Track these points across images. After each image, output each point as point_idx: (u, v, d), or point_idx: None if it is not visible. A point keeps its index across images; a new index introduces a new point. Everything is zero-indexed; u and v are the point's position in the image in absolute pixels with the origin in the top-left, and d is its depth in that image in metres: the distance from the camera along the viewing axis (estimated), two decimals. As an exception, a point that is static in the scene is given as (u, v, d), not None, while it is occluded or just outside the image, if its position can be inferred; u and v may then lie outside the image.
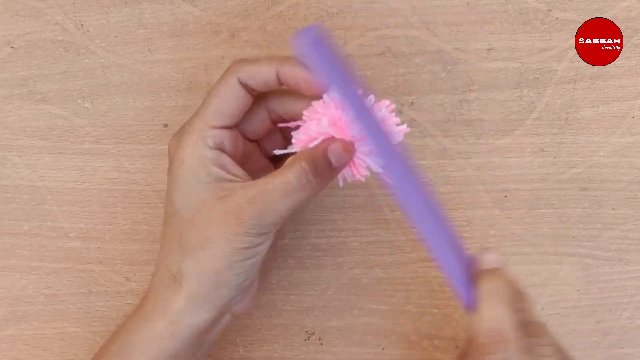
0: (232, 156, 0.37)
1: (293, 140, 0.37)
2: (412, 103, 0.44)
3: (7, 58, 0.44)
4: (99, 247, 0.46)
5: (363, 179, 0.37)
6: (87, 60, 0.44)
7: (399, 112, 0.44)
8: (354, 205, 0.45)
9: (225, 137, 0.37)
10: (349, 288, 0.46)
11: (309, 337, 0.46)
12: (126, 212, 0.45)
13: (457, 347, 0.46)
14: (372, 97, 0.36)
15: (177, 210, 0.37)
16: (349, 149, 0.35)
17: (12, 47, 0.44)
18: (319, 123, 0.35)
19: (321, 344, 0.46)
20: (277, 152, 0.38)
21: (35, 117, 0.45)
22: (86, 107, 0.45)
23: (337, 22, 0.43)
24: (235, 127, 0.38)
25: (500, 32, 0.43)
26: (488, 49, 0.43)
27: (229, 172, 0.36)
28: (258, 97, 0.38)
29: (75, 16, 0.44)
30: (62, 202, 0.45)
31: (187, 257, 0.36)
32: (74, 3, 0.44)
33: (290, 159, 0.36)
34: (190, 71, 0.44)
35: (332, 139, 0.35)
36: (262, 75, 0.36)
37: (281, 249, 0.46)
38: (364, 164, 0.37)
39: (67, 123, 0.45)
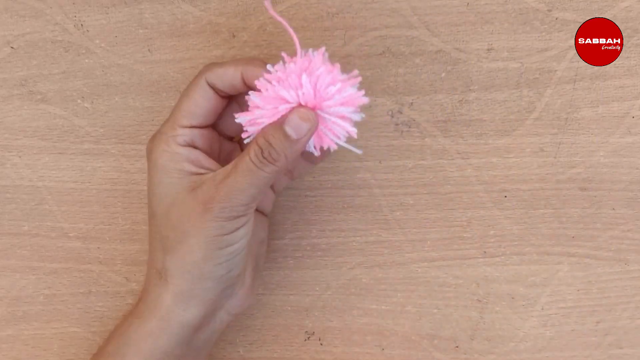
0: (206, 152, 0.38)
1: (246, 126, 0.36)
2: (412, 103, 0.44)
3: (7, 58, 0.44)
4: (99, 247, 0.46)
5: (333, 146, 0.36)
6: (87, 60, 0.44)
7: (398, 112, 0.44)
8: (354, 205, 0.45)
9: (197, 135, 0.38)
10: (349, 288, 0.46)
11: (308, 337, 0.46)
12: (126, 212, 0.45)
13: (457, 347, 0.46)
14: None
15: (154, 210, 0.38)
16: (307, 117, 0.35)
17: (12, 47, 0.44)
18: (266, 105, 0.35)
19: (321, 344, 0.46)
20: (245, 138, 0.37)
21: (35, 117, 0.45)
22: (86, 107, 0.45)
23: (337, 22, 0.43)
24: (212, 127, 0.39)
25: (500, 32, 0.43)
26: (488, 49, 0.43)
27: (201, 166, 0.37)
28: (234, 97, 0.39)
29: (75, 16, 0.44)
30: (62, 202, 0.45)
31: (168, 254, 0.37)
32: (74, 3, 0.44)
33: (253, 137, 0.36)
34: (190, 71, 0.44)
35: (291, 110, 0.35)
36: (228, 77, 0.36)
37: (281, 249, 0.46)
38: (333, 131, 0.36)
39: (67, 123, 0.45)
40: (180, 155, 0.37)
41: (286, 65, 0.35)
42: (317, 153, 0.37)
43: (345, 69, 0.44)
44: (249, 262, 0.40)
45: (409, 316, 0.46)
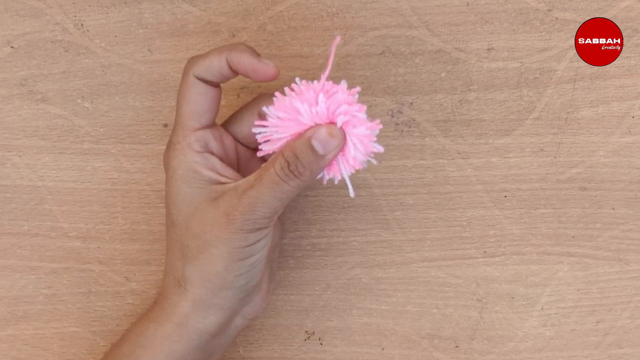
0: (222, 158, 0.38)
1: (263, 146, 0.37)
2: (412, 103, 0.44)
3: (7, 58, 0.44)
4: (99, 247, 0.46)
5: (338, 177, 0.36)
6: (87, 60, 0.44)
7: (398, 112, 0.44)
8: (354, 205, 0.45)
9: (209, 137, 0.37)
10: (349, 288, 0.46)
11: (309, 337, 0.46)
12: (126, 212, 0.45)
13: (457, 347, 0.46)
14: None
15: (174, 220, 0.37)
16: (335, 134, 0.35)
17: (12, 47, 0.44)
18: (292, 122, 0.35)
19: (321, 344, 0.46)
20: (261, 151, 0.37)
21: (35, 117, 0.45)
22: (86, 107, 0.45)
23: (337, 22, 0.43)
24: (225, 130, 0.39)
25: (500, 32, 0.43)
26: (488, 49, 0.43)
27: (219, 174, 0.37)
28: (249, 103, 0.39)
29: (75, 16, 0.44)
30: (62, 202, 0.45)
31: (188, 263, 0.37)
32: (74, 3, 0.44)
33: (279, 150, 0.36)
34: (190, 71, 0.44)
35: (317, 126, 0.35)
36: (214, 67, 0.36)
37: (281, 249, 0.46)
38: (358, 153, 0.36)
39: (67, 123, 0.45)
40: (197, 164, 0.37)
41: (307, 82, 0.35)
42: (325, 179, 0.37)
43: (345, 69, 0.44)
44: (265, 269, 0.40)
45: (409, 316, 0.46)
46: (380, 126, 0.35)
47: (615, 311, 0.45)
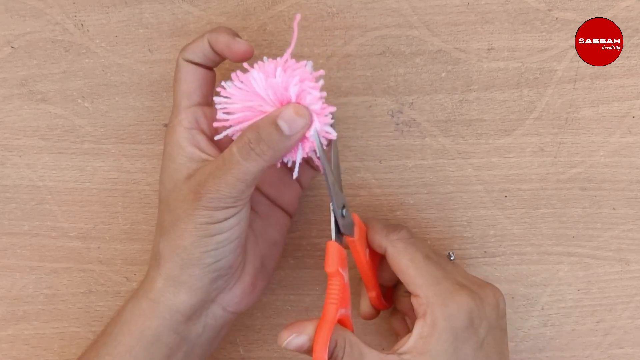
0: (210, 136, 0.38)
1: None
2: (412, 103, 0.44)
3: (7, 58, 0.44)
4: (99, 247, 0.46)
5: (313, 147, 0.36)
6: (87, 60, 0.44)
7: (399, 112, 0.44)
8: (354, 205, 0.45)
9: (199, 114, 0.38)
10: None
11: (309, 337, 0.46)
12: (126, 212, 0.45)
13: (457, 347, 0.46)
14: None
15: (160, 197, 0.39)
16: (302, 113, 0.34)
17: (12, 47, 0.44)
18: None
19: (321, 344, 0.46)
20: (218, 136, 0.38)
21: (35, 117, 0.45)
22: (86, 107, 0.45)
23: (337, 22, 0.43)
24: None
25: (500, 32, 0.43)
26: (488, 49, 0.43)
27: (203, 151, 0.38)
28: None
29: (76, 16, 0.44)
30: (62, 202, 0.45)
31: (162, 237, 0.37)
32: (74, 3, 0.44)
33: (243, 129, 0.36)
34: (190, 71, 0.44)
35: (287, 104, 0.35)
36: (198, 48, 0.38)
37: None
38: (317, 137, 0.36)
39: (67, 123, 0.45)
40: (184, 139, 0.38)
41: (272, 59, 0.36)
42: (283, 160, 0.37)
43: (345, 69, 0.44)
44: (249, 258, 0.40)
45: (409, 316, 0.46)
46: (334, 108, 0.35)
47: (616, 311, 0.45)
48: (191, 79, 0.39)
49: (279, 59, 0.36)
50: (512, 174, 0.45)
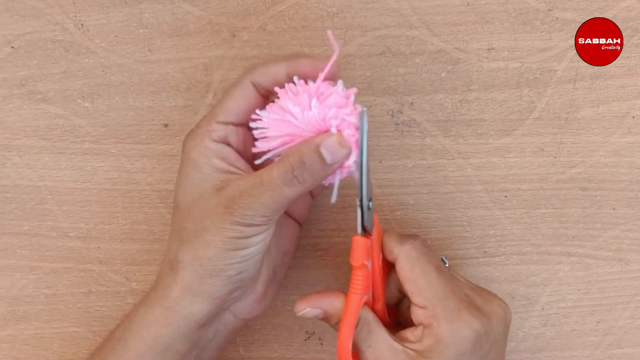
0: (239, 152, 0.38)
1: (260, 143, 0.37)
2: (412, 103, 0.44)
3: (7, 58, 0.44)
4: (99, 247, 0.46)
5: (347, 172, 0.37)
6: (87, 60, 0.44)
7: (399, 112, 0.44)
8: (354, 205, 0.45)
9: (231, 132, 0.38)
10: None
11: (309, 337, 0.46)
12: (126, 212, 0.45)
13: (457, 347, 0.46)
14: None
15: (178, 203, 0.38)
16: (344, 143, 0.35)
17: (12, 47, 0.44)
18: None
19: (321, 344, 0.46)
20: (256, 148, 0.38)
21: (35, 117, 0.45)
22: (86, 107, 0.45)
23: (337, 22, 0.43)
24: (249, 128, 0.39)
25: (500, 32, 0.43)
26: (488, 49, 0.43)
27: (231, 164, 0.37)
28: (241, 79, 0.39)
29: (76, 16, 0.44)
30: (62, 202, 0.45)
31: (183, 246, 0.37)
32: (74, 3, 0.44)
33: (284, 153, 0.36)
34: (190, 71, 0.44)
35: (327, 132, 0.35)
36: (270, 74, 0.37)
37: (281, 249, 0.46)
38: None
39: (67, 123, 0.45)
40: (211, 151, 0.37)
41: (304, 84, 0.36)
42: (326, 183, 0.37)
43: (345, 69, 0.44)
44: (264, 270, 0.40)
45: (409, 316, 0.46)
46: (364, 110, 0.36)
47: (616, 311, 0.45)
48: (243, 102, 0.38)
49: (311, 84, 0.36)
50: (512, 174, 0.45)
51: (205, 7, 0.44)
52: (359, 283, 0.37)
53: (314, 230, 0.45)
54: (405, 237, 0.39)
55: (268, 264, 0.40)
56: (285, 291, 0.46)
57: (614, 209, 0.45)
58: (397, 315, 0.42)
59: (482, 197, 0.45)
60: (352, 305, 0.37)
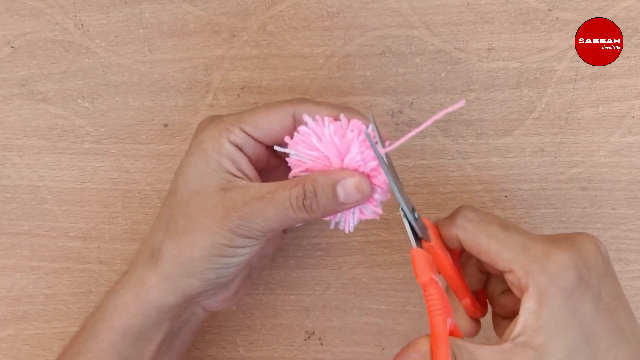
0: (250, 160, 0.37)
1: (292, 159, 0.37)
2: (412, 103, 0.44)
3: (7, 58, 0.44)
4: (99, 247, 0.46)
5: (374, 217, 0.37)
6: (87, 60, 0.44)
7: (399, 112, 0.44)
8: (354, 205, 0.45)
9: (249, 144, 0.37)
10: (349, 288, 0.46)
11: (309, 337, 0.46)
12: (126, 212, 0.45)
13: (457, 347, 0.46)
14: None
15: (176, 189, 0.37)
16: (362, 189, 0.35)
17: (12, 47, 0.44)
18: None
19: (321, 344, 0.46)
20: (278, 148, 0.37)
21: (35, 117, 0.45)
22: (86, 107, 0.45)
23: (337, 22, 0.43)
24: (268, 147, 0.38)
25: (500, 32, 0.43)
26: (488, 49, 0.43)
27: (240, 169, 0.36)
28: (281, 105, 0.38)
29: (76, 16, 0.44)
30: (62, 202, 0.45)
31: (169, 237, 0.36)
32: (74, 3, 0.44)
33: (302, 175, 0.36)
34: (190, 71, 0.44)
35: (352, 171, 0.35)
36: (321, 115, 0.36)
37: (282, 249, 0.46)
38: (373, 204, 0.36)
39: (67, 123, 0.45)
40: (225, 150, 0.36)
41: (336, 122, 0.36)
42: (332, 224, 0.37)
43: (345, 69, 0.44)
44: (241, 273, 0.40)
45: (409, 316, 0.46)
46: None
47: (616, 311, 0.45)
48: (275, 128, 0.36)
49: (355, 132, 0.35)
50: (512, 174, 0.45)
51: (205, 7, 0.44)
52: (436, 302, 0.33)
53: (314, 230, 0.45)
54: (452, 215, 0.37)
55: (246, 268, 0.40)
56: (285, 291, 0.46)
57: (614, 209, 0.45)
58: (490, 304, 0.39)
59: (482, 197, 0.45)
60: (439, 330, 0.32)
